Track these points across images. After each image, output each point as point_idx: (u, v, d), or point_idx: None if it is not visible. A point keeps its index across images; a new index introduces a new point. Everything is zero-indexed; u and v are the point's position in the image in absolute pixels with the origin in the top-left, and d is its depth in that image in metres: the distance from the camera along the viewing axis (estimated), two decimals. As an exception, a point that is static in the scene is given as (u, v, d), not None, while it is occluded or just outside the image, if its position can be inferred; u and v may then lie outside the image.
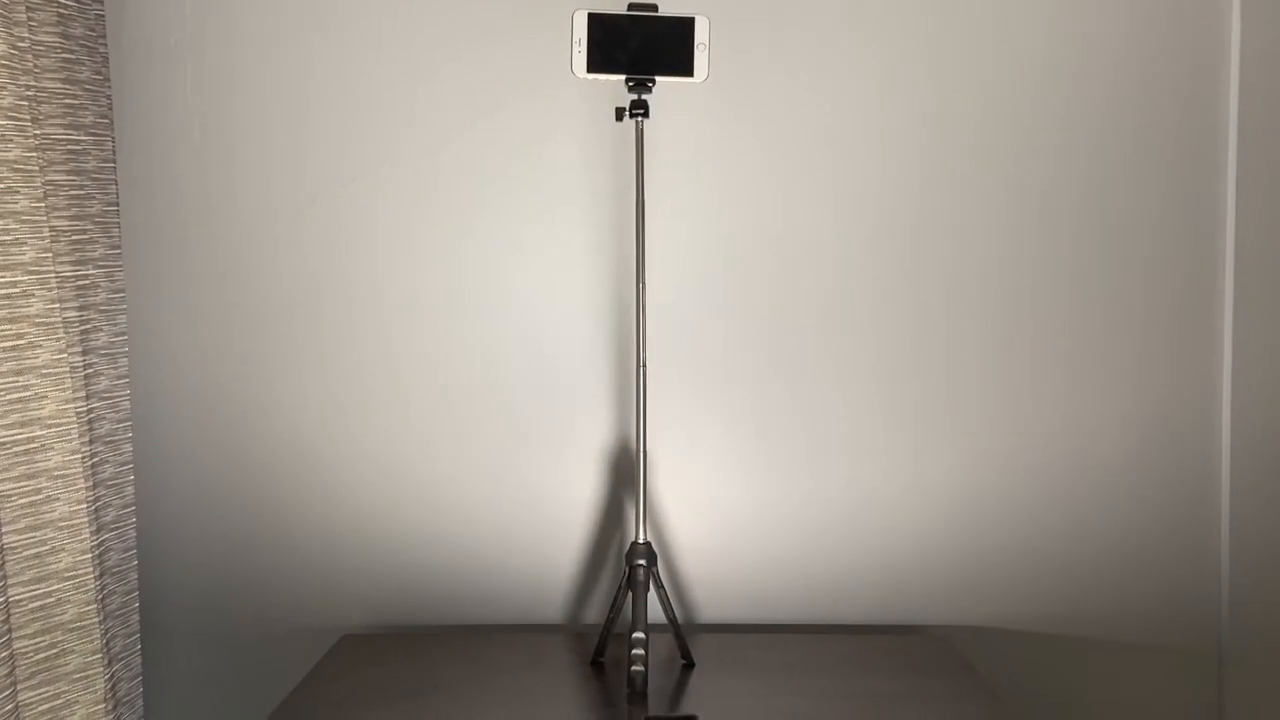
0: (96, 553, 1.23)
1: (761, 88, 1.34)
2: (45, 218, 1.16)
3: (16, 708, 1.13)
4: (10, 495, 1.14)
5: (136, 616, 1.33)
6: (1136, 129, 1.35)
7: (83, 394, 1.22)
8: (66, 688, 1.19)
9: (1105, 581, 1.39)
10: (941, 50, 1.34)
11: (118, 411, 1.31)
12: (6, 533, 1.14)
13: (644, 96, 1.18)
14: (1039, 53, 1.34)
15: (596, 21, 1.15)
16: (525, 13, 1.32)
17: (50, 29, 1.20)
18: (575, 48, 1.15)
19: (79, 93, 1.24)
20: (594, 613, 1.39)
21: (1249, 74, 1.33)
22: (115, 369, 1.31)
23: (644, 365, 1.19)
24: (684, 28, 1.17)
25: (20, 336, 1.14)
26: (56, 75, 1.21)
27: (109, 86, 1.30)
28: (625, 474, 1.37)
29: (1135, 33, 1.34)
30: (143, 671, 1.34)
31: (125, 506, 1.32)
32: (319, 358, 1.36)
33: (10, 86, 1.11)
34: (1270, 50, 1.31)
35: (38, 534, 1.17)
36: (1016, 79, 1.34)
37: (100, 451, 1.27)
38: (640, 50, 1.16)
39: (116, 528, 1.30)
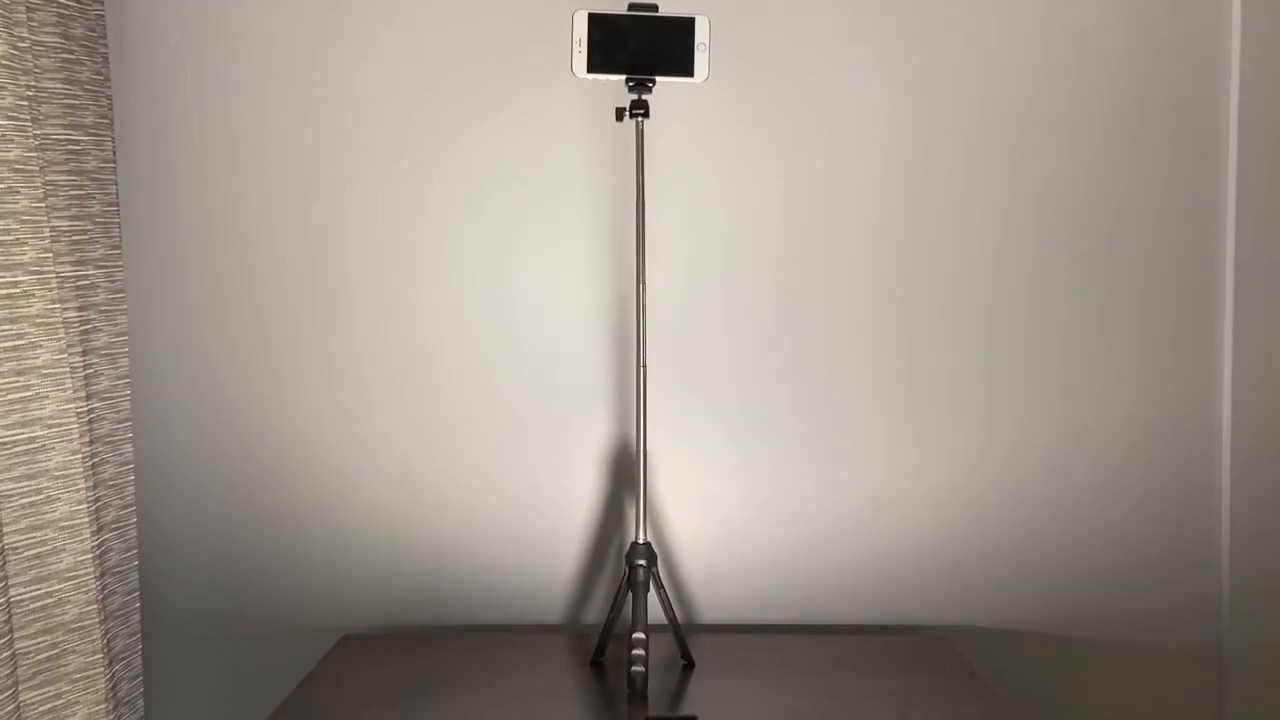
0: (97, 553, 1.23)
1: (762, 88, 1.34)
2: (46, 218, 1.16)
3: (18, 708, 1.13)
4: (11, 495, 1.14)
5: (137, 617, 1.33)
6: (1136, 129, 1.35)
7: (83, 394, 1.22)
8: (68, 688, 1.20)
9: (1106, 582, 1.39)
10: (942, 50, 1.34)
11: (118, 412, 1.31)
12: (7, 533, 1.14)
13: (644, 97, 1.18)
14: (1039, 53, 1.34)
15: (597, 21, 1.15)
16: (525, 13, 1.32)
17: (50, 29, 1.20)
18: (575, 48, 1.15)
19: (79, 93, 1.24)
20: (594, 613, 1.39)
21: (1249, 72, 1.33)
22: (115, 369, 1.31)
23: (644, 365, 1.19)
24: (684, 28, 1.16)
25: (21, 336, 1.14)
26: (57, 75, 1.21)
27: (109, 86, 1.30)
28: (625, 474, 1.37)
29: (1135, 32, 1.34)
30: (143, 671, 1.34)
31: (126, 506, 1.32)
32: (320, 358, 1.36)
33: (10, 87, 1.11)
34: (1270, 49, 1.30)
35: (38, 534, 1.17)
36: (1016, 79, 1.34)
37: (101, 452, 1.27)
38: (640, 50, 1.16)
39: (117, 528, 1.30)
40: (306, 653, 1.32)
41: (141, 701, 1.33)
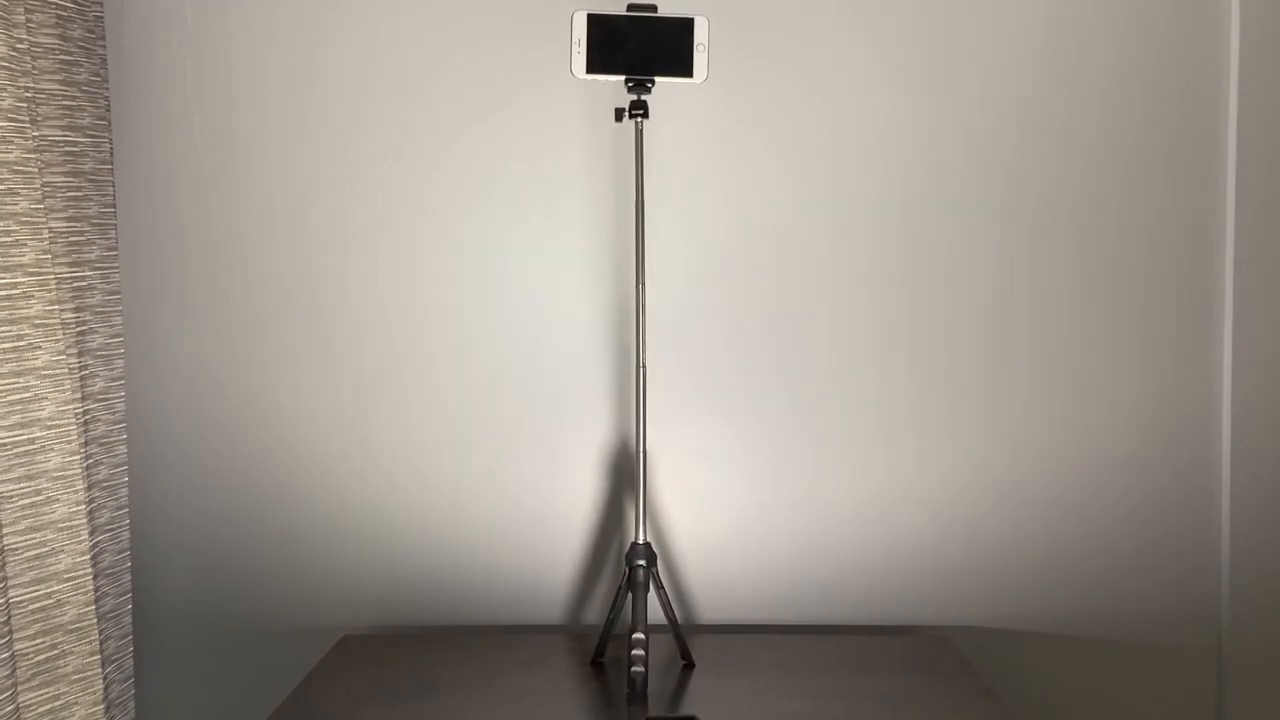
0: (91, 554, 1.22)
1: (761, 88, 1.34)
2: (44, 219, 1.16)
3: (17, 709, 1.12)
4: (11, 496, 1.14)
5: (129, 619, 1.33)
6: (1136, 129, 1.35)
7: (79, 395, 1.22)
8: (66, 689, 1.19)
9: (1105, 581, 1.39)
10: (941, 50, 1.34)
11: (113, 413, 1.31)
12: (7, 534, 1.14)
13: (643, 97, 1.18)
14: (1038, 53, 1.34)
15: (596, 22, 1.16)
16: (525, 13, 1.32)
17: (49, 31, 1.20)
18: (575, 48, 1.16)
19: (77, 94, 1.24)
20: (594, 613, 1.39)
21: (1248, 72, 1.33)
22: (110, 371, 1.31)
23: (644, 365, 1.19)
24: (683, 28, 1.17)
25: (20, 338, 1.14)
26: (55, 77, 1.21)
27: (107, 88, 1.30)
28: (625, 474, 1.37)
29: (1134, 32, 1.34)
30: (136, 674, 1.33)
31: (119, 508, 1.32)
32: (316, 359, 1.36)
33: (10, 89, 1.11)
34: (1269, 49, 1.31)
35: (38, 535, 1.17)
36: (1015, 80, 1.34)
37: (95, 453, 1.27)
38: (639, 51, 1.16)
39: (110, 529, 1.30)
40: (305, 654, 1.32)
41: (132, 704, 1.33)
